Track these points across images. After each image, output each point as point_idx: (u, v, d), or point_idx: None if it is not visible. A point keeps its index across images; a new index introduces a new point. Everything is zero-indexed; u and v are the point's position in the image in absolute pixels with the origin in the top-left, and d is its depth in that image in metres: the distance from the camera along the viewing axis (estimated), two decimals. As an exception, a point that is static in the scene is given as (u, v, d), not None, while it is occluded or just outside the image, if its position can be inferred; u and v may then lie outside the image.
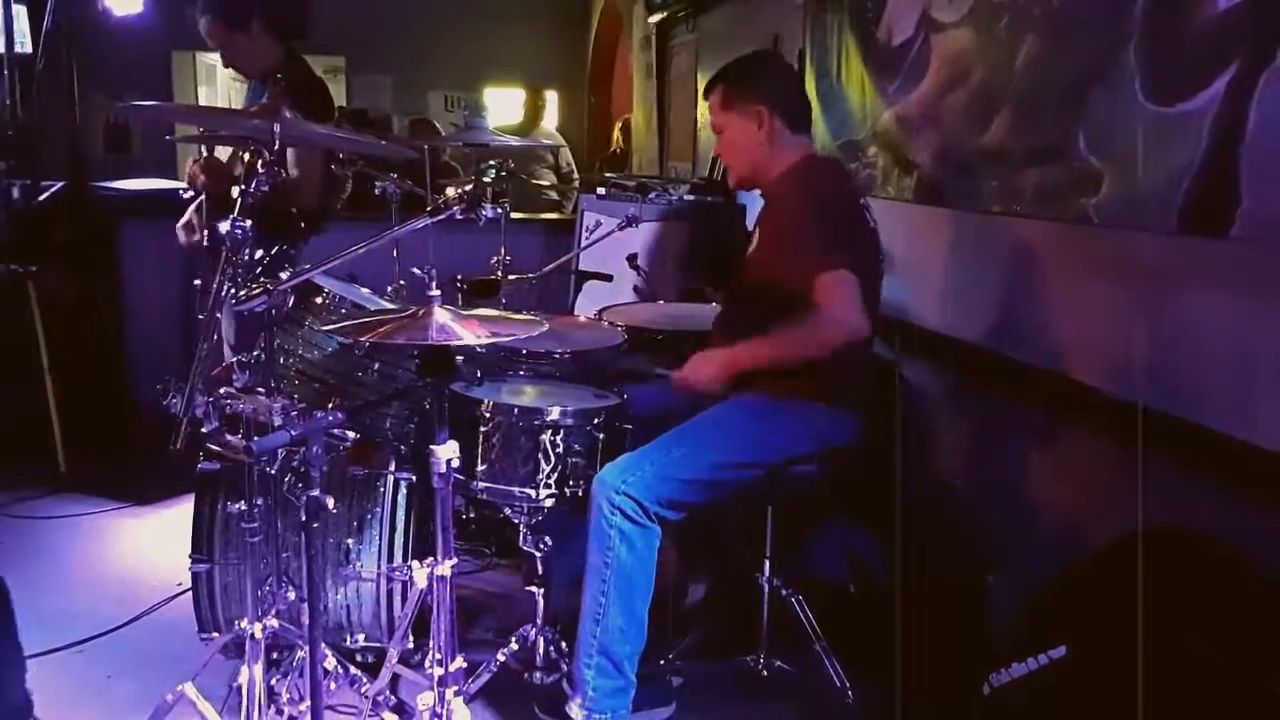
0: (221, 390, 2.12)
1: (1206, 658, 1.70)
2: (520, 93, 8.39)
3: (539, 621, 2.67)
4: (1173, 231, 2.19)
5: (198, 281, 3.40)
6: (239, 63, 3.50)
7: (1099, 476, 2.57)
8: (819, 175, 2.64)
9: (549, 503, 2.49)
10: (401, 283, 3.77)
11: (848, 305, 2.35)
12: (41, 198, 4.66)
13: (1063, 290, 2.68)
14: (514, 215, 3.91)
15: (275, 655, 2.54)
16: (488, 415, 2.48)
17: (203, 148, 3.30)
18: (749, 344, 2.49)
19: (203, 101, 9.16)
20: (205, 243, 3.52)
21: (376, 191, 3.80)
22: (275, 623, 2.33)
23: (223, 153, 3.52)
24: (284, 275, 2.08)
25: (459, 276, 3.54)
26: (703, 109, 5.86)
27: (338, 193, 6.07)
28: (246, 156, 2.12)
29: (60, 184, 4.81)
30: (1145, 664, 1.76)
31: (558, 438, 2.45)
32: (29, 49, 5.22)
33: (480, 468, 2.49)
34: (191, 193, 3.47)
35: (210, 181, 3.30)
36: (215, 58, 3.68)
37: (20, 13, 5.16)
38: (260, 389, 2.14)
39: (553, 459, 2.45)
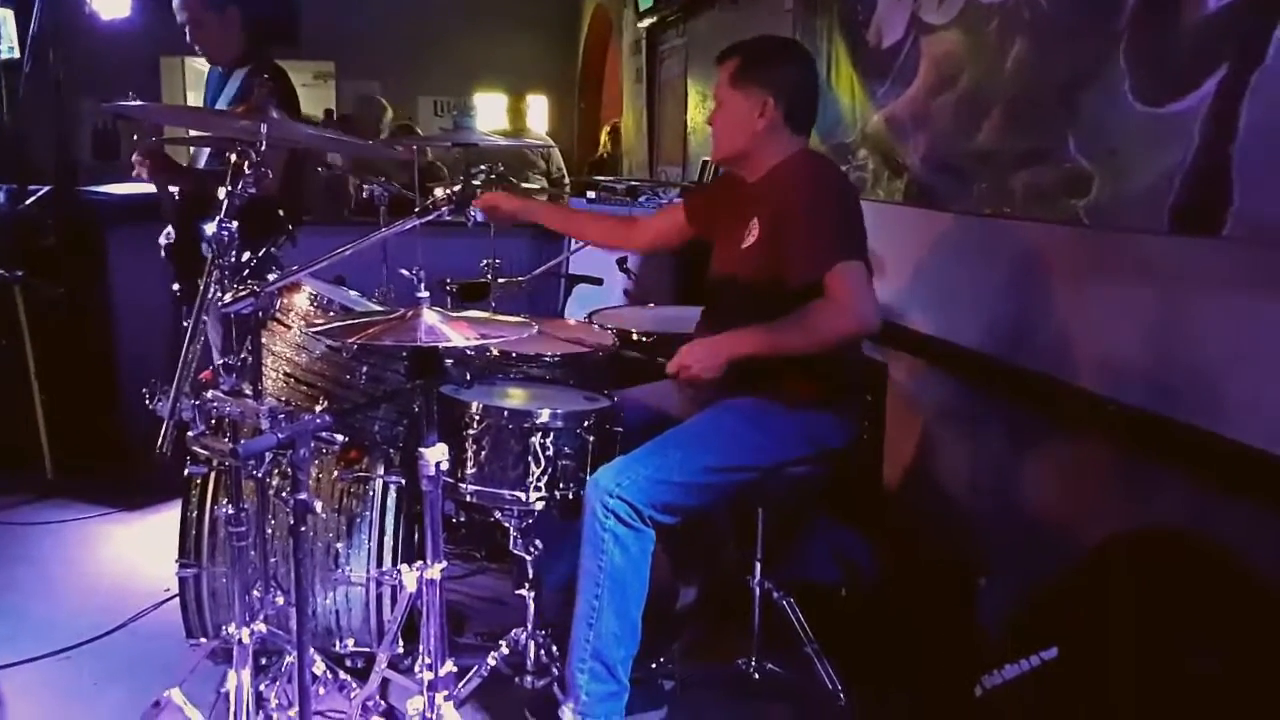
0: (208, 393, 2.09)
1: (1198, 658, 1.70)
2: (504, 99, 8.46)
3: (530, 625, 2.65)
4: (1164, 232, 2.18)
5: (176, 286, 3.39)
6: (203, 42, 3.47)
7: (1091, 478, 2.57)
8: (826, 168, 2.61)
9: (539, 506, 2.47)
10: (390, 286, 3.76)
11: (861, 296, 2.32)
12: (28, 202, 4.63)
13: (1054, 292, 2.68)
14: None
15: (263, 661, 2.52)
16: (477, 418, 2.46)
17: (147, 134, 3.24)
18: (751, 330, 2.39)
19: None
20: (165, 250, 3.51)
21: (364, 195, 3.78)
22: (263, 628, 2.30)
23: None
24: (271, 277, 2.07)
25: (448, 281, 3.52)
26: (692, 113, 5.89)
27: (306, 187, 6.05)
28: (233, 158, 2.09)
29: (47, 189, 4.78)
30: (1137, 664, 1.75)
31: (547, 440, 2.44)
32: (16, 53, 5.19)
33: (470, 471, 2.47)
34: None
35: (153, 171, 3.25)
36: (204, 63, 3.65)
37: (7, 16, 5.13)
38: (247, 392, 2.12)
39: (543, 462, 2.44)
